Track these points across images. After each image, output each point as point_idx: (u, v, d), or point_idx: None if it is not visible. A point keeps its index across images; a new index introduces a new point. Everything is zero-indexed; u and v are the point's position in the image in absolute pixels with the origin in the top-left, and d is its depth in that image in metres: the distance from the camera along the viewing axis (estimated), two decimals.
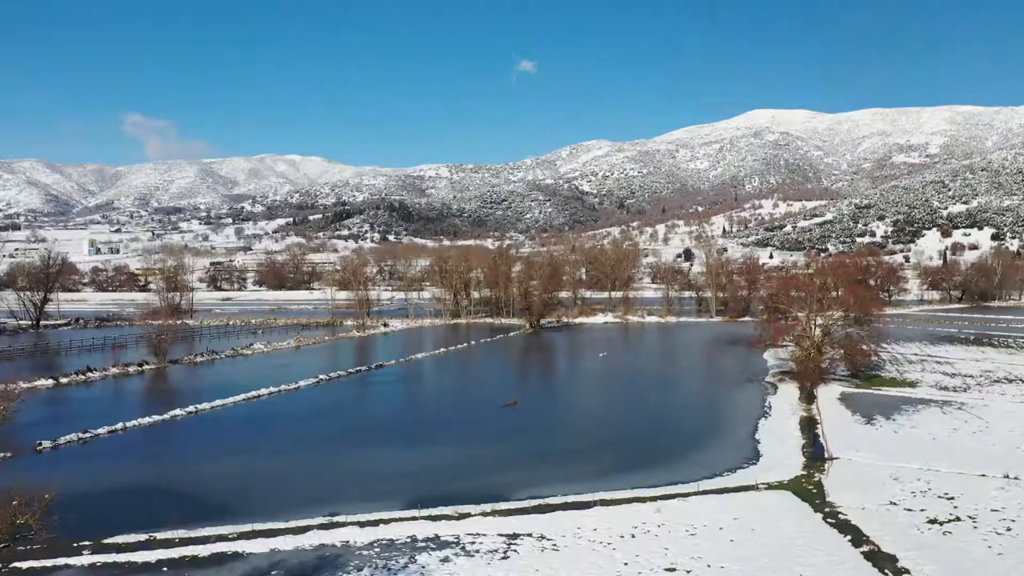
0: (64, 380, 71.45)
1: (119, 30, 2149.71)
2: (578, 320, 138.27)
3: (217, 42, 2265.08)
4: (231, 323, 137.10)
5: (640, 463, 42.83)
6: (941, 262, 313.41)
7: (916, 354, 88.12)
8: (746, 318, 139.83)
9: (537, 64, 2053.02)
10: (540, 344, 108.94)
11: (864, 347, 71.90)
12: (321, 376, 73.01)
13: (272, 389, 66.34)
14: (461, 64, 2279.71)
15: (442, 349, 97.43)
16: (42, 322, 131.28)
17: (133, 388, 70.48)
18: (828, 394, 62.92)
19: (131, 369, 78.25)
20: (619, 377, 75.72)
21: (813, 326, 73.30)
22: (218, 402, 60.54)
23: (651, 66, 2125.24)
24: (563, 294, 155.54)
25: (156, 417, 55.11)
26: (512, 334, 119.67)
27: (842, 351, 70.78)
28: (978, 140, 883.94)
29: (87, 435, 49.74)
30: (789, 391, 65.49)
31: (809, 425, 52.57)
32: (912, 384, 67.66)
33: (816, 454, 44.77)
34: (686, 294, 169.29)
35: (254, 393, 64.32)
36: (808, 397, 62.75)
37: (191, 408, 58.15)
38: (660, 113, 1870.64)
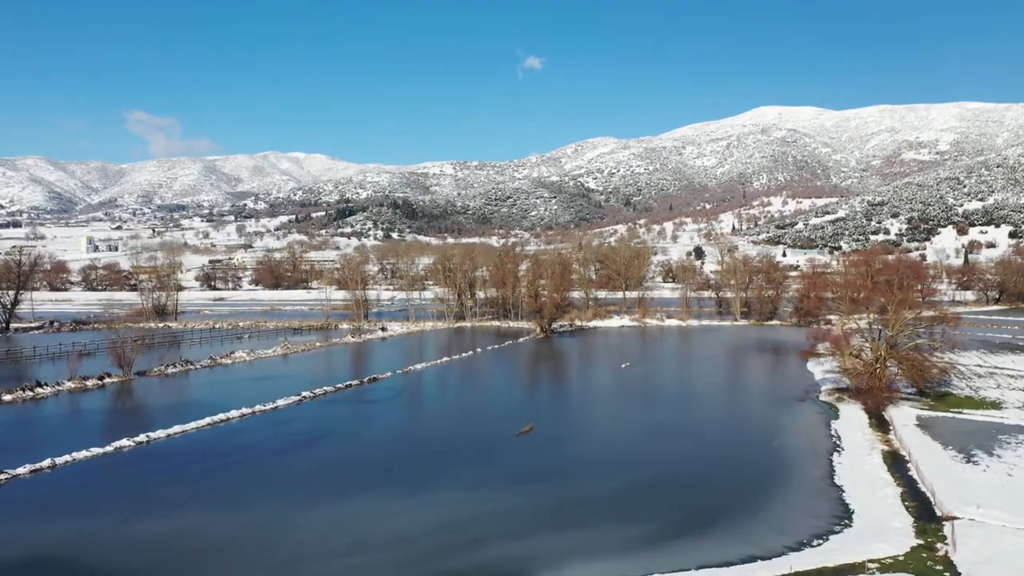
0: (7, 397, 61.72)
1: (122, 27, 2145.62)
2: (592, 323, 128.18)
3: (221, 40, 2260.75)
4: (217, 326, 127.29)
5: (698, 522, 32.92)
6: (962, 261, 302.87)
7: (980, 365, 77.93)
8: (774, 321, 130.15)
9: (544, 61, 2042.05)
10: (553, 352, 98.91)
11: (936, 360, 61.65)
12: (304, 393, 63.17)
13: (245, 410, 56.51)
14: (466, 61, 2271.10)
15: (445, 358, 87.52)
16: (12, 325, 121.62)
17: (86, 407, 60.70)
18: (902, 418, 52.85)
19: (90, 383, 68.51)
20: (648, 394, 65.73)
21: (876, 335, 63.09)
22: (176, 428, 50.73)
23: (657, 63, 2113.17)
24: (574, 294, 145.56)
25: (96, 450, 45.35)
26: (521, 340, 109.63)
27: (910, 365, 60.31)
28: (988, 137, 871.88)
29: (2, 476, 40.02)
30: (853, 414, 55.46)
31: (896, 463, 42.57)
32: (995, 405, 57.53)
33: (924, 509, 34.79)
34: (705, 294, 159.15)
35: (222, 416, 54.50)
36: (880, 422, 52.76)
37: (142, 437, 48.37)
38: (665, 110, 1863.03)
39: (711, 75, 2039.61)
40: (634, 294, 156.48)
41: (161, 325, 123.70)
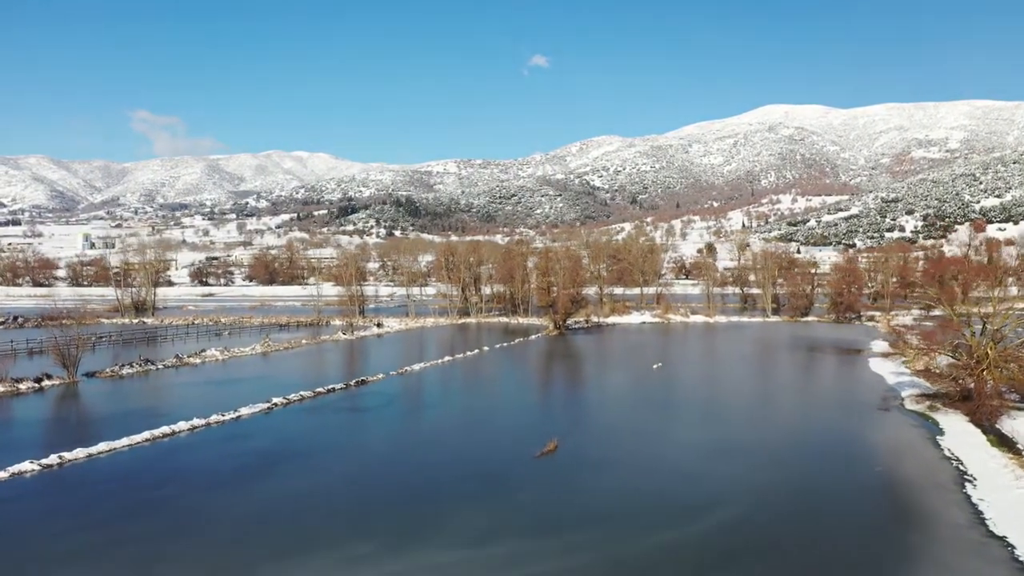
0: None
1: (127, 26, 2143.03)
2: (609, 320, 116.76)
3: (225, 39, 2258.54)
4: (196, 322, 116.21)
5: None
6: (985, 258, 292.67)
7: None
8: (810, 318, 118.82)
9: (550, 59, 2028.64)
10: (570, 351, 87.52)
11: None
12: (276, 399, 51.94)
13: (197, 422, 45.34)
14: (472, 60, 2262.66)
15: (447, 358, 76.18)
16: None
17: (6, 417, 49.59)
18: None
19: (23, 386, 57.39)
20: (693, 402, 54.37)
21: (978, 329, 51.60)
22: (102, 446, 39.60)
23: (662, 61, 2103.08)
24: (587, 290, 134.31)
25: None
26: (533, 337, 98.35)
27: (1020, 366, 48.84)
28: (998, 135, 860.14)
29: None
30: (960, 428, 44.03)
31: None
32: None
33: None
34: (729, 290, 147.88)
35: (166, 429, 43.35)
36: (1001, 439, 41.32)
37: (53, 459, 37.22)
38: (670, 109, 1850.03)
39: (716, 74, 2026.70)
40: (652, 290, 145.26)
41: (136, 321, 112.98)
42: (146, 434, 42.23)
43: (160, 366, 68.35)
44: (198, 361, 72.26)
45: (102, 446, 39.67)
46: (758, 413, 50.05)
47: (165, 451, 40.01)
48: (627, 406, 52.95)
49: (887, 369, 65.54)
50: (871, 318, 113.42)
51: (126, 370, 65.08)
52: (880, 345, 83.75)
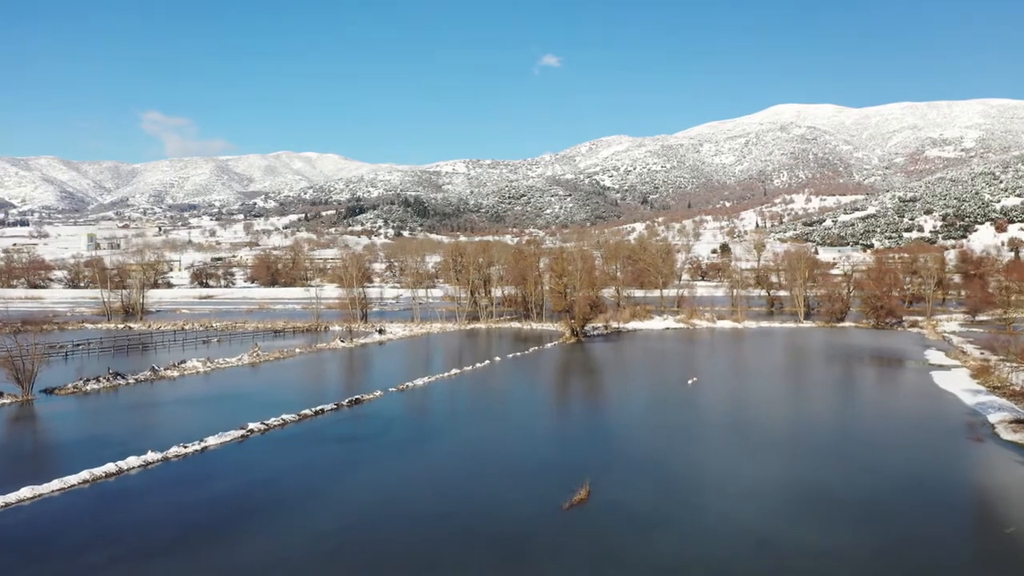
0: None
1: (138, 27, 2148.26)
2: (630, 325, 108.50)
3: (236, 39, 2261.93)
4: (186, 327, 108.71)
5: None
6: (1013, 257, 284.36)
7: None
8: (846, 323, 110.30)
9: (562, 59, 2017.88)
10: (590, 362, 79.30)
11: None
12: (252, 425, 44.19)
13: (152, 456, 37.64)
14: (482, 60, 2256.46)
15: (455, 370, 68.17)
16: None
17: None
18: None
19: None
20: (744, 429, 46.12)
21: None
22: (25, 492, 31.91)
23: (673, 61, 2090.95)
24: (603, 292, 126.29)
25: None
26: (548, 345, 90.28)
27: None
28: (1014, 134, 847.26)
29: None
30: None
31: None
32: None
33: None
34: (753, 293, 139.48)
35: (112, 467, 35.65)
36: None
37: None
38: (680, 109, 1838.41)
39: (726, 74, 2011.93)
40: (672, 292, 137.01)
41: (122, 326, 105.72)
42: (85, 474, 34.53)
43: (132, 380, 60.68)
44: (176, 374, 64.59)
45: (25, 492, 31.98)
46: (824, 444, 41.85)
47: (104, 498, 32.29)
48: (666, 435, 44.82)
49: (958, 385, 57.19)
50: (914, 324, 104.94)
51: (91, 385, 57.48)
52: (936, 355, 75.46)
